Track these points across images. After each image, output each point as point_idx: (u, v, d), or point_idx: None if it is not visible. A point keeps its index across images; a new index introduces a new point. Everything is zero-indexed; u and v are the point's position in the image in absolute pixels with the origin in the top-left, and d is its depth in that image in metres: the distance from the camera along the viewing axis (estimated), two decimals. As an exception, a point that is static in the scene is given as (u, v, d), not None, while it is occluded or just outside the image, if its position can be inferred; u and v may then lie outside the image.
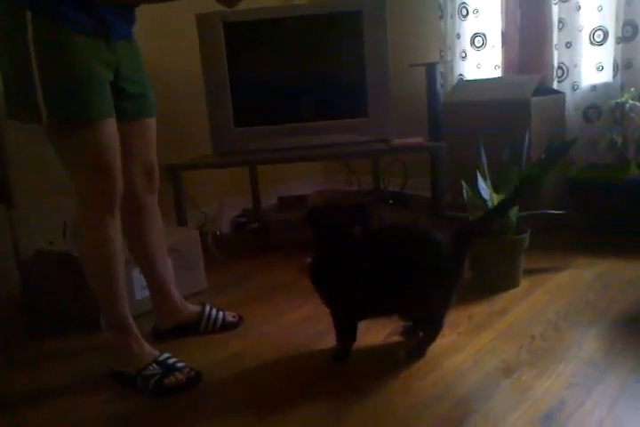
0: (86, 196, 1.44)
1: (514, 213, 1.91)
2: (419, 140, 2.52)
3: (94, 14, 1.37)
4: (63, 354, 1.72)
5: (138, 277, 1.81)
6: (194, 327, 1.76)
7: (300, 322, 1.81)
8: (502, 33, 2.74)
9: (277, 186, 3.16)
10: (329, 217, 1.52)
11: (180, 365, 1.50)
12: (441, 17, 2.90)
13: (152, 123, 1.60)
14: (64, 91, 1.33)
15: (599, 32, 2.52)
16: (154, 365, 1.48)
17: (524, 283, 1.98)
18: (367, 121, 2.54)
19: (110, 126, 1.41)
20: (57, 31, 1.31)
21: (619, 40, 2.45)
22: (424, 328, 1.56)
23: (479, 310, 1.79)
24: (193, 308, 1.79)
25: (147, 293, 1.78)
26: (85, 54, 1.35)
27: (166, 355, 1.52)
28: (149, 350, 1.53)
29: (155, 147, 1.64)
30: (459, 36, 2.85)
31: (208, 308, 1.79)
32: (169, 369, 1.47)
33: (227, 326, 1.78)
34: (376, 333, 1.65)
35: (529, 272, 2.03)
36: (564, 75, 2.58)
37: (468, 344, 1.58)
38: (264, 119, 2.58)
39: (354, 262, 1.46)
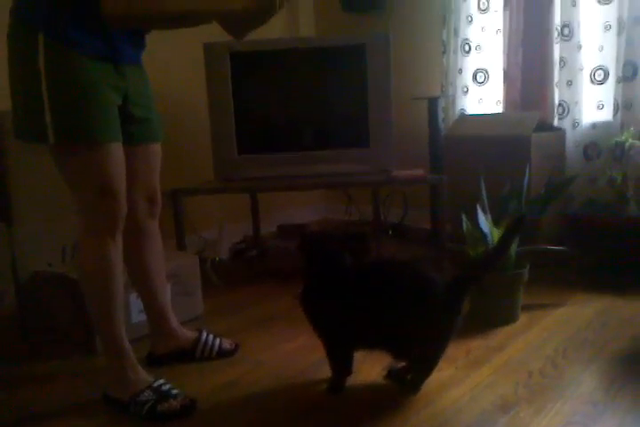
0: (89, 218, 1.44)
1: (513, 248, 1.91)
2: (419, 172, 2.54)
3: (105, 39, 1.40)
4: (58, 377, 1.70)
5: (135, 301, 1.81)
6: (190, 353, 1.74)
7: (296, 351, 1.80)
8: (504, 70, 2.79)
9: (278, 213, 3.18)
10: (321, 244, 1.52)
11: (174, 392, 1.48)
12: (444, 52, 2.96)
13: (157, 148, 1.62)
14: (72, 113, 1.35)
15: (600, 71, 2.57)
16: (148, 391, 1.46)
17: (523, 318, 1.97)
18: (369, 151, 2.56)
19: (116, 150, 1.42)
20: (68, 54, 1.33)
21: (619, 80, 2.49)
22: (416, 367, 1.52)
23: (477, 344, 1.78)
24: (189, 334, 1.77)
25: (143, 317, 1.76)
26: (95, 78, 1.37)
27: (161, 381, 1.50)
28: (144, 375, 1.51)
29: (158, 172, 1.65)
30: (461, 71, 2.90)
31: (205, 334, 1.78)
32: (163, 396, 1.45)
33: (223, 353, 1.77)
34: (372, 365, 1.63)
35: (527, 307, 2.02)
36: (565, 112, 2.62)
37: (466, 379, 1.56)
38: (267, 147, 2.61)
39: (343, 291, 1.46)
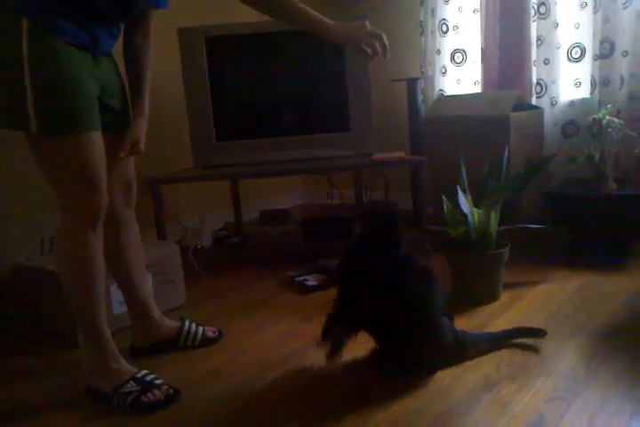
0: (71, 210, 1.42)
1: (493, 227, 1.92)
2: (400, 154, 2.54)
3: (88, 29, 1.39)
4: (39, 370, 1.69)
5: (116, 292, 1.79)
6: (173, 343, 1.73)
7: (279, 337, 1.80)
8: (482, 49, 2.78)
9: (259, 199, 3.16)
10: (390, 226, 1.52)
11: (158, 382, 1.48)
12: (421, 33, 2.94)
13: None
14: (56, 102, 1.33)
15: (577, 49, 2.57)
16: (131, 382, 1.46)
17: (504, 297, 1.99)
18: (349, 135, 2.55)
19: (97, 139, 1.40)
20: (52, 41, 1.32)
21: (596, 57, 2.49)
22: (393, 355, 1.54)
23: (459, 324, 1.76)
24: (172, 323, 1.77)
25: (125, 308, 1.75)
26: (77, 66, 1.36)
27: (144, 372, 1.50)
28: (127, 366, 1.51)
29: (133, 161, 1.64)
30: (439, 52, 2.89)
31: (187, 323, 1.77)
32: (147, 386, 1.45)
33: (206, 342, 1.76)
34: (357, 350, 1.63)
35: (508, 286, 2.04)
36: (543, 91, 2.62)
37: (453, 359, 1.57)
38: (246, 133, 2.58)
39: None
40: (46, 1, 1.31)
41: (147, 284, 1.73)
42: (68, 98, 1.34)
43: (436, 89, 2.92)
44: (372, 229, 1.51)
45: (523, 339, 1.65)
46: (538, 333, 1.65)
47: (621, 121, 2.30)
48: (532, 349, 1.61)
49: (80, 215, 1.42)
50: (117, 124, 1.54)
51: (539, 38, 2.59)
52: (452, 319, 1.56)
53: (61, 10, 1.32)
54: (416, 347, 1.47)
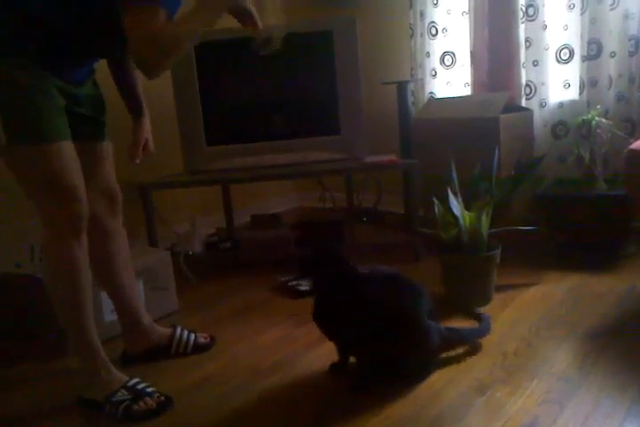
0: (51, 220, 1.41)
1: (485, 229, 1.92)
2: (391, 157, 2.53)
3: (71, 66, 1.43)
4: (29, 380, 1.67)
5: (106, 300, 1.77)
6: (165, 350, 1.72)
7: (272, 343, 1.79)
8: (471, 52, 2.78)
9: (250, 204, 3.15)
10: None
11: (149, 390, 1.46)
12: (411, 36, 2.94)
13: (108, 146, 1.60)
14: (21, 113, 1.33)
15: (565, 50, 2.58)
16: (123, 390, 1.44)
17: (496, 299, 1.99)
18: (340, 139, 2.55)
19: (69, 148, 1.39)
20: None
21: (584, 58, 2.50)
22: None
23: (452, 327, 1.78)
24: (163, 330, 1.75)
25: (115, 316, 1.74)
26: (41, 79, 1.35)
27: (136, 380, 1.49)
28: (118, 375, 1.49)
29: (114, 171, 1.63)
30: (428, 54, 2.89)
31: (179, 330, 1.76)
32: (138, 395, 1.44)
33: (198, 349, 1.75)
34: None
35: (500, 288, 2.04)
36: (532, 92, 2.63)
37: (441, 363, 1.57)
38: (236, 138, 2.57)
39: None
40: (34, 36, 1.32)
41: (136, 292, 1.72)
42: (32, 109, 1.33)
43: (427, 91, 2.92)
44: (320, 268, 1.51)
45: (515, 341, 1.65)
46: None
47: (610, 122, 2.31)
48: (525, 351, 1.61)
49: (60, 226, 1.40)
50: (90, 133, 1.54)
51: (527, 40, 2.60)
52: (436, 319, 1.54)
53: (57, 51, 1.35)
54: (405, 356, 1.47)
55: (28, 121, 1.33)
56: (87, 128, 1.52)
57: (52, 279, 1.46)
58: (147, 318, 1.72)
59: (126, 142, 1.72)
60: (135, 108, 1.71)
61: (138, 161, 1.73)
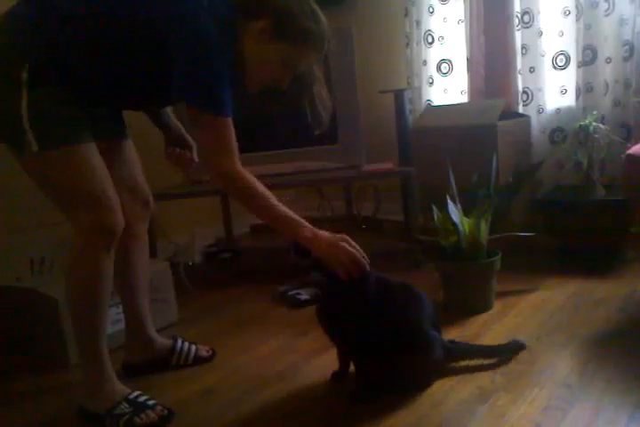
0: (83, 230, 1.37)
1: (484, 235, 1.92)
2: (389, 165, 2.54)
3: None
4: (30, 392, 1.67)
5: (110, 311, 1.77)
6: (165, 362, 1.72)
7: (273, 353, 1.79)
8: (467, 59, 2.80)
9: (250, 214, 3.14)
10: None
11: (151, 403, 1.46)
12: (407, 44, 2.96)
13: (130, 144, 1.62)
14: (49, 118, 1.32)
15: (561, 56, 2.58)
16: (124, 403, 1.43)
17: (497, 306, 1.98)
18: (338, 148, 2.55)
19: (93, 150, 1.38)
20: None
21: (580, 64, 2.51)
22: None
23: (452, 334, 1.77)
24: (164, 342, 1.75)
25: (116, 327, 1.74)
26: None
27: (137, 393, 1.48)
28: (120, 387, 1.48)
29: (141, 170, 1.63)
30: (425, 62, 2.90)
31: (180, 342, 1.76)
32: (140, 407, 1.43)
33: (199, 361, 1.75)
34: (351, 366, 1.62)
35: (501, 295, 2.04)
36: (529, 99, 2.63)
37: (443, 371, 1.56)
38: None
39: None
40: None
41: (147, 300, 1.70)
42: (60, 112, 1.33)
43: (424, 99, 2.94)
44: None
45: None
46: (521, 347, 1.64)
47: (607, 127, 2.32)
48: (527, 358, 1.60)
49: (93, 237, 1.37)
50: (109, 131, 1.54)
51: (523, 47, 2.61)
52: (439, 331, 1.54)
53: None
54: (405, 367, 1.46)
55: (58, 124, 1.33)
56: (105, 125, 1.52)
57: (75, 292, 1.43)
58: (152, 329, 1.72)
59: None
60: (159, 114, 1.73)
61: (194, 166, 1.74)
